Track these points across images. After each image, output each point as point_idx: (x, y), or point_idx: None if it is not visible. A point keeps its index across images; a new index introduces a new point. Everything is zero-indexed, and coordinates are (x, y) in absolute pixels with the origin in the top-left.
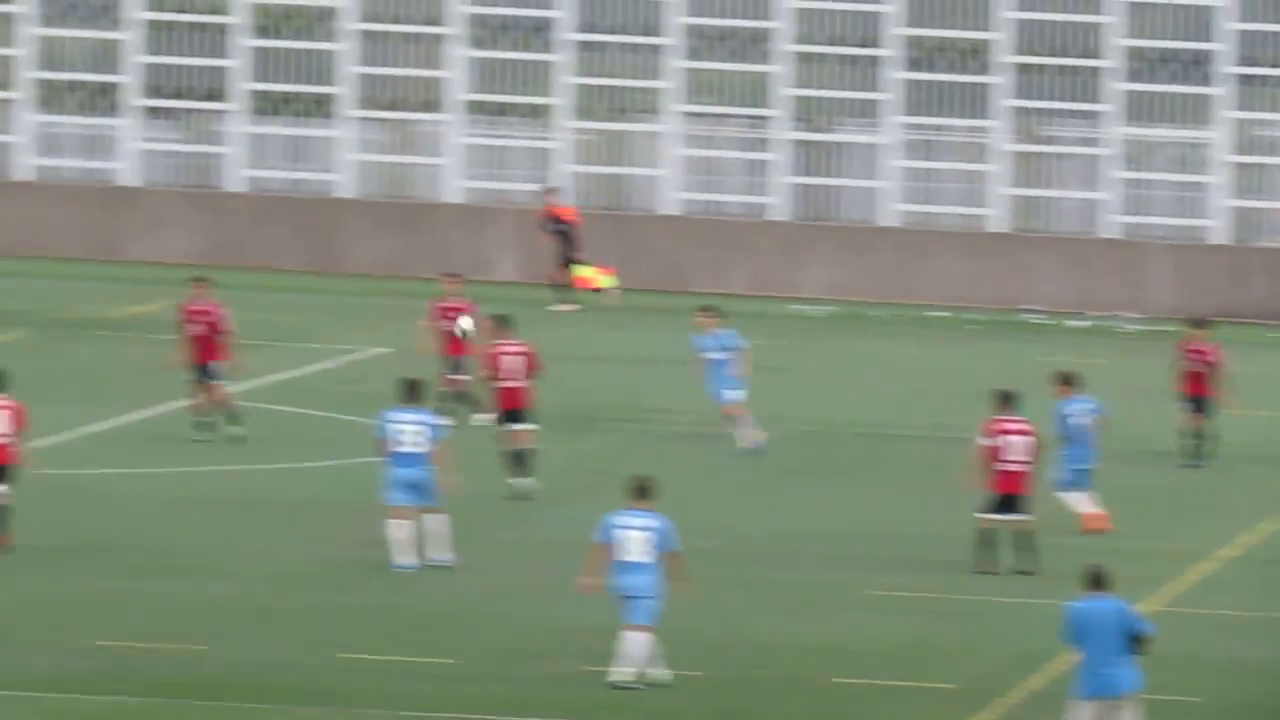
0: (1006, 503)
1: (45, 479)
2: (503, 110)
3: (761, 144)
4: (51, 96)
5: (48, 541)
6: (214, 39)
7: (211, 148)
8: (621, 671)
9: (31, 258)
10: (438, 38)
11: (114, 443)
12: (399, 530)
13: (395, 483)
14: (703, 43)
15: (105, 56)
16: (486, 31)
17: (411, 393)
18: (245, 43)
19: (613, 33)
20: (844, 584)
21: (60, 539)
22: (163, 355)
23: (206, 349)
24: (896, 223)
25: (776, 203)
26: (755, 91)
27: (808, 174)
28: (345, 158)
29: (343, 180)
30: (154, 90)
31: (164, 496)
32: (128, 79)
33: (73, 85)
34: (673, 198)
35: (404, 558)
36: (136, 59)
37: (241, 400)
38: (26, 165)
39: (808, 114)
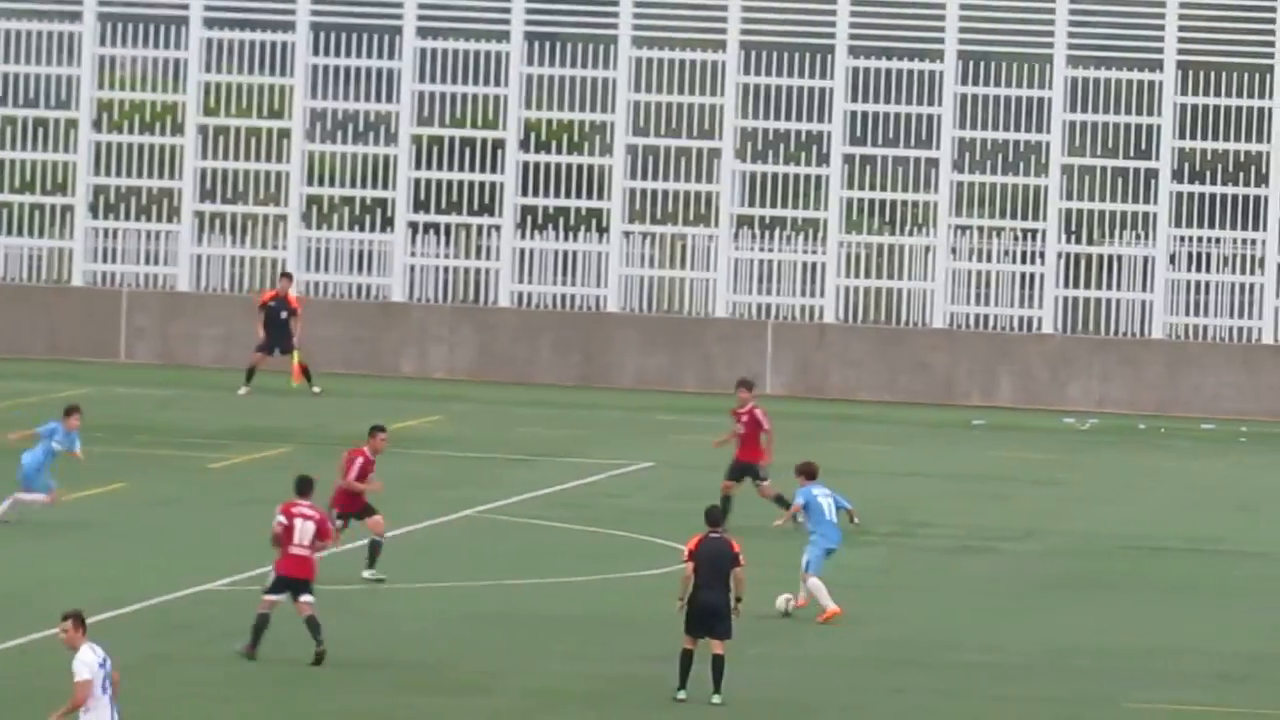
0: None
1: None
2: (772, 224)
3: (1032, 256)
4: (320, 212)
5: (310, 657)
6: (484, 153)
7: (480, 262)
8: None
9: None
10: (709, 151)
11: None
12: None
13: None
14: (973, 155)
15: (375, 172)
16: (757, 145)
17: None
18: (514, 157)
19: (883, 146)
20: (1107, 698)
21: (328, 654)
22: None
23: None
24: (1166, 335)
25: (1046, 315)
26: (1026, 204)
27: (1078, 286)
28: (614, 272)
29: (611, 294)
30: (421, 205)
31: (428, 611)
32: (395, 194)
33: (344, 200)
34: (942, 310)
35: None
36: (406, 174)
37: (509, 514)
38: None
39: (1078, 227)
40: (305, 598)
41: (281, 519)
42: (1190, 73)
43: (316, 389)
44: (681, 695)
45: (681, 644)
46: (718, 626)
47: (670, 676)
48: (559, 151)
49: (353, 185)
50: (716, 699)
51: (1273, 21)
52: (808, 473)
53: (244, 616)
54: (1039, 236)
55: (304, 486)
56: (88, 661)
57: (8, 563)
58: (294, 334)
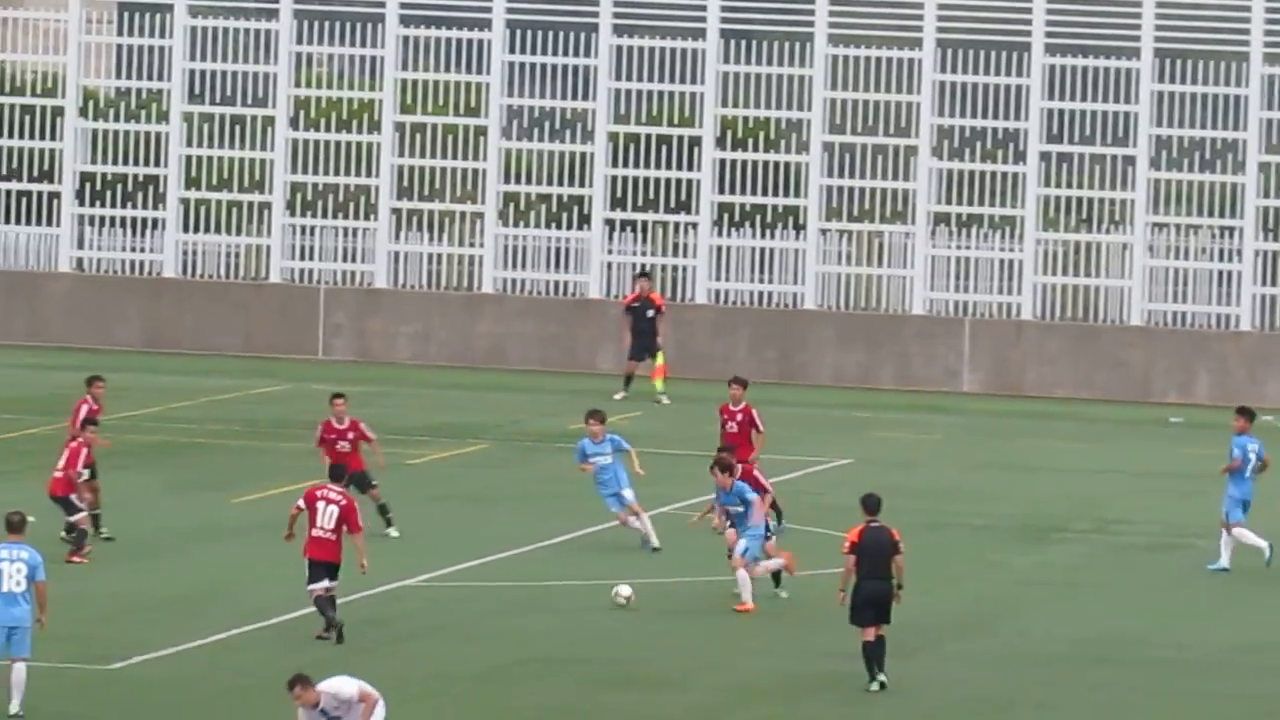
0: None
1: (505, 590)
2: (968, 221)
3: (1229, 254)
4: (516, 209)
5: (506, 654)
6: (680, 151)
7: (676, 259)
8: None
9: (493, 369)
10: (905, 149)
11: (574, 554)
12: None
13: None
14: (1170, 153)
15: (571, 169)
16: (953, 142)
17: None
18: (711, 154)
19: (1080, 143)
20: None
21: (519, 651)
22: None
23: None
24: None
25: (1243, 312)
26: (1223, 201)
27: (1275, 284)
28: (811, 269)
29: (808, 291)
30: (617, 203)
31: (622, 609)
32: (591, 191)
33: (540, 198)
34: (1139, 308)
35: None
36: (602, 171)
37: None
38: (490, 277)
39: (1276, 224)
40: (327, 581)
41: (299, 502)
42: None
43: (664, 399)
44: (874, 687)
45: (861, 637)
46: (881, 614)
47: (862, 671)
48: (755, 149)
49: (549, 183)
50: (881, 678)
51: None
52: (724, 466)
53: (441, 613)
54: (1236, 234)
55: (336, 472)
56: (345, 680)
57: (204, 561)
58: (659, 333)
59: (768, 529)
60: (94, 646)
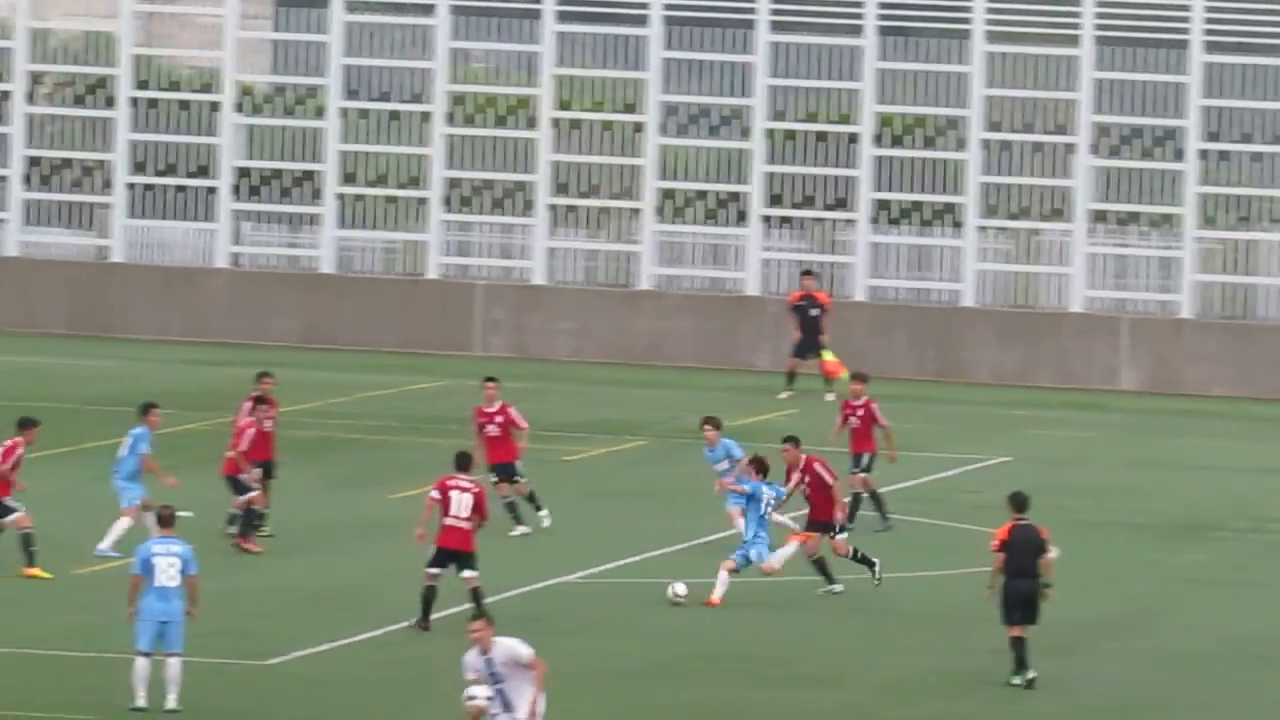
0: None
1: (664, 587)
2: (1127, 219)
3: None
4: (674, 206)
5: (666, 650)
6: (838, 148)
7: (834, 257)
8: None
9: (650, 366)
10: (1063, 146)
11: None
12: None
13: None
14: None
15: (729, 166)
16: (1112, 140)
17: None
18: (869, 151)
19: (1239, 141)
20: None
21: (679, 647)
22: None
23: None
24: None
25: None
26: None
27: None
28: (969, 267)
29: (966, 289)
30: (775, 199)
31: (781, 604)
32: (749, 188)
33: (698, 195)
34: None
35: None
36: (759, 168)
37: (862, 510)
38: (647, 274)
39: None
40: (467, 572)
41: (434, 493)
42: None
43: (829, 395)
44: (1021, 681)
45: (1009, 634)
46: (1029, 613)
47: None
48: (913, 146)
49: (706, 179)
50: (1030, 675)
51: None
52: (760, 467)
53: (600, 609)
54: None
55: (463, 462)
56: (522, 643)
57: (360, 557)
58: (823, 330)
59: (830, 525)
60: (251, 642)
